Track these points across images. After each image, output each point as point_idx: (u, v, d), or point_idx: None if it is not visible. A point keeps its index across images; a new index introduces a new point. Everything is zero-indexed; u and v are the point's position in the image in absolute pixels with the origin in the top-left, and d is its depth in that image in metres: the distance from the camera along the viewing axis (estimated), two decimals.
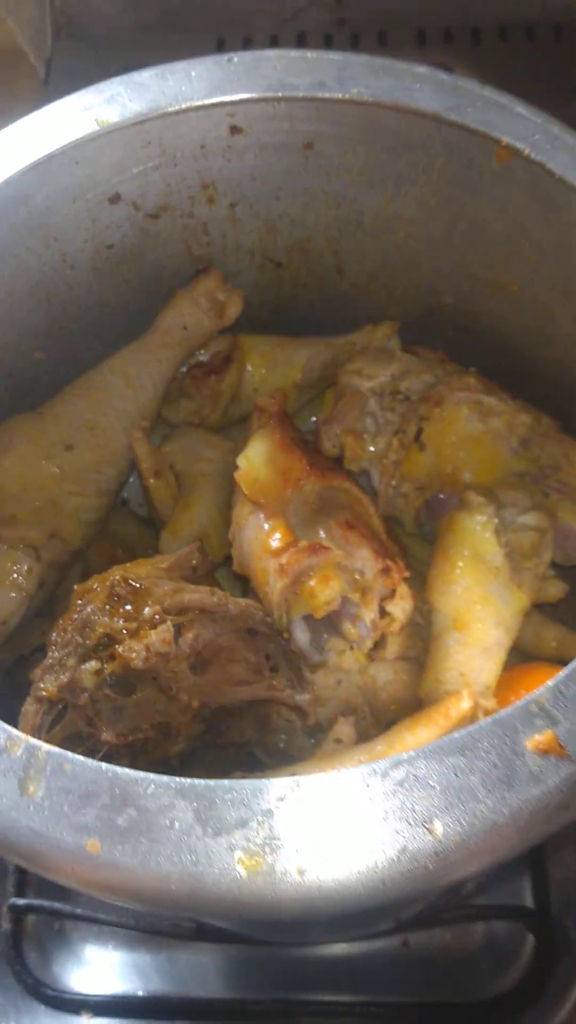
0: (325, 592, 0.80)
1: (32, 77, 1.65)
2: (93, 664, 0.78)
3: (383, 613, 0.86)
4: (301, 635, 0.83)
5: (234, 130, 0.93)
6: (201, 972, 1.08)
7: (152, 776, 0.59)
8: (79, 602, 0.81)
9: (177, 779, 0.59)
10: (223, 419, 1.09)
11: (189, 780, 0.59)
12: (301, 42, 1.59)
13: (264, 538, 0.83)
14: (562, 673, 0.61)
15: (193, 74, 0.89)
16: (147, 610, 0.79)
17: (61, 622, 0.80)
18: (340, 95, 0.87)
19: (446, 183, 0.93)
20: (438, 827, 0.57)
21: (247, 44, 1.59)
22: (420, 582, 0.91)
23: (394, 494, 0.99)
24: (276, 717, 0.88)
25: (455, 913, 1.04)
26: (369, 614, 0.83)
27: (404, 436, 0.97)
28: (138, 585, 0.81)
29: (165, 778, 0.59)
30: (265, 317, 1.14)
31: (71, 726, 0.78)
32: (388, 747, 0.76)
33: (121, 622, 0.78)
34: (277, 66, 0.89)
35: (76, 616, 0.80)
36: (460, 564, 0.88)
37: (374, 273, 1.07)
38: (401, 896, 0.57)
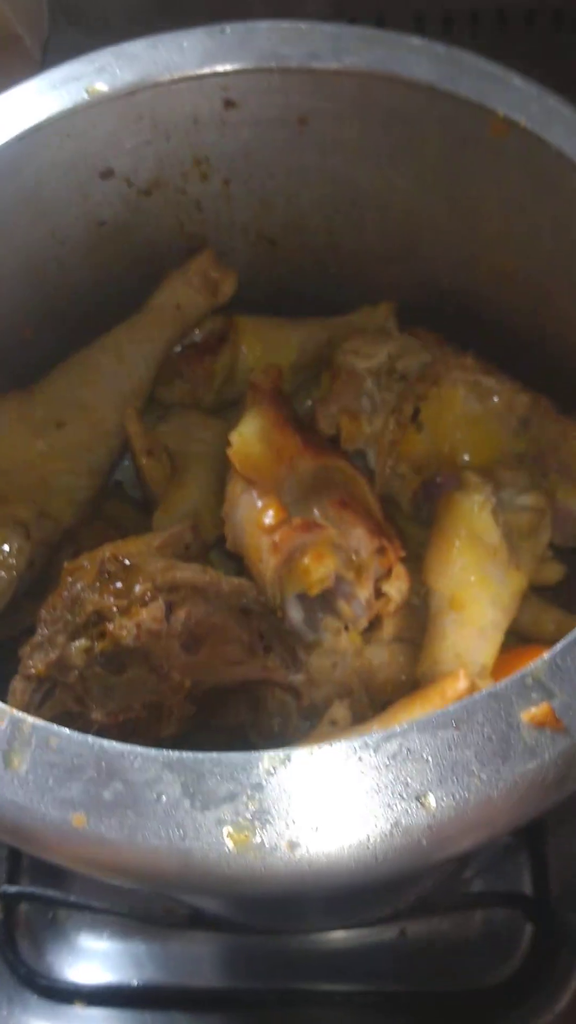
0: (319, 569, 0.79)
1: (28, 61, 1.64)
2: (83, 642, 0.77)
3: (379, 593, 0.85)
4: (295, 613, 0.82)
5: (227, 104, 0.91)
6: (196, 961, 1.07)
7: (139, 749, 0.58)
8: (69, 579, 0.80)
9: (165, 752, 0.57)
10: (217, 400, 1.08)
11: (177, 753, 0.57)
12: None
13: (257, 515, 0.82)
14: (559, 645, 0.60)
15: (185, 44, 0.88)
16: (138, 587, 0.78)
17: (50, 599, 0.79)
18: (334, 65, 0.86)
19: (441, 159, 0.92)
20: (431, 801, 0.55)
21: None
22: (417, 565, 0.90)
23: (391, 475, 0.98)
24: (270, 699, 0.87)
25: (453, 900, 1.03)
26: (364, 592, 0.82)
27: (401, 416, 0.96)
28: (129, 562, 0.80)
29: (152, 751, 0.57)
30: (260, 297, 1.12)
31: (60, 704, 0.77)
32: (383, 728, 0.75)
33: (111, 599, 0.77)
34: (270, 37, 0.88)
35: (66, 593, 0.79)
36: (457, 544, 0.86)
37: (370, 251, 1.06)
38: (394, 872, 0.55)
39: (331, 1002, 1.03)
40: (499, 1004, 1.02)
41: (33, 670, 0.77)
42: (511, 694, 0.58)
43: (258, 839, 0.55)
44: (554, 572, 0.92)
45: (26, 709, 0.76)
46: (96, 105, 0.87)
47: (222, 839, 0.55)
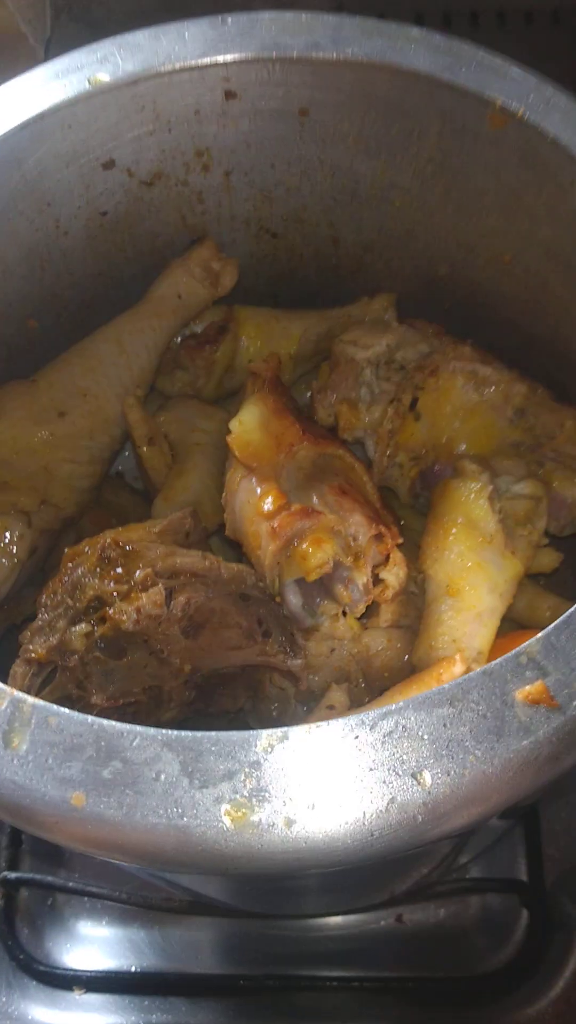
0: (317, 555, 0.79)
1: (31, 58, 1.65)
2: (83, 626, 0.77)
3: (377, 580, 0.85)
4: (293, 599, 0.83)
5: (229, 95, 0.92)
6: (195, 947, 1.07)
7: (138, 728, 0.58)
8: (69, 564, 0.80)
9: (163, 731, 0.58)
10: (217, 391, 1.09)
11: (175, 732, 0.58)
12: None
13: (256, 502, 0.82)
14: (553, 624, 0.60)
15: (187, 34, 0.89)
16: (138, 573, 0.78)
17: (51, 584, 0.80)
18: (334, 55, 0.86)
19: (440, 150, 0.93)
20: (427, 778, 0.56)
21: None
22: (414, 553, 0.91)
23: (389, 464, 0.98)
24: (269, 684, 0.88)
25: (449, 886, 1.03)
26: (362, 578, 0.82)
27: (399, 405, 0.96)
28: (129, 548, 0.80)
29: (151, 730, 0.58)
30: (260, 289, 1.13)
31: (61, 688, 0.78)
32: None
33: (112, 584, 0.78)
34: (271, 27, 0.88)
35: (66, 578, 0.79)
36: (454, 531, 0.87)
37: (370, 244, 1.06)
38: (390, 848, 0.56)
39: (328, 988, 1.04)
40: (495, 990, 1.03)
41: (33, 654, 0.77)
42: (506, 672, 0.59)
43: (256, 817, 0.55)
44: (550, 559, 0.93)
45: (26, 693, 0.76)
46: (98, 95, 0.88)
47: (220, 817, 0.55)
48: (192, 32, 0.89)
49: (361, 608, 0.84)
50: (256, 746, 0.57)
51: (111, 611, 0.76)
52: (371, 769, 0.56)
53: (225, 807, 0.56)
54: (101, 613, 0.77)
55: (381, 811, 0.55)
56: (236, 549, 0.95)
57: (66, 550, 0.82)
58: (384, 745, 0.57)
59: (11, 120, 0.86)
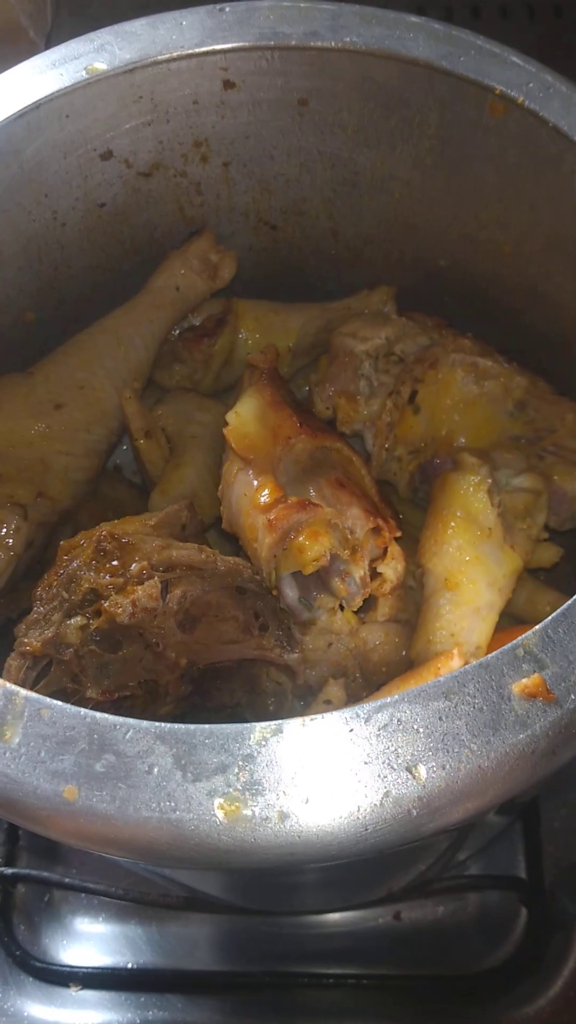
0: (314, 548, 0.78)
1: (32, 52, 1.64)
2: (78, 619, 0.77)
3: (374, 574, 0.85)
4: (290, 592, 0.82)
5: (227, 84, 0.91)
6: (192, 944, 1.07)
7: (131, 721, 0.58)
8: (65, 557, 0.80)
9: (157, 724, 0.57)
10: (215, 384, 1.08)
11: (168, 725, 0.57)
12: None
13: (253, 494, 0.82)
14: (550, 616, 0.60)
15: (184, 23, 0.88)
16: (134, 566, 0.78)
17: (46, 577, 0.79)
18: (333, 44, 0.86)
19: (440, 140, 0.92)
20: (422, 772, 0.55)
21: None
22: (413, 547, 0.90)
23: (388, 457, 0.98)
24: (265, 679, 0.87)
25: (447, 883, 1.03)
26: (359, 571, 0.81)
27: (398, 398, 0.96)
28: (125, 541, 0.80)
29: (144, 723, 0.57)
30: (259, 281, 1.12)
31: (56, 682, 0.77)
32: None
33: (107, 577, 0.77)
34: (270, 16, 0.87)
35: (62, 571, 0.79)
36: (452, 524, 0.86)
37: (369, 236, 1.05)
38: (384, 842, 0.55)
39: (326, 985, 1.03)
40: (493, 988, 1.02)
41: (28, 647, 0.77)
42: (502, 665, 0.58)
43: (249, 810, 0.55)
44: (550, 554, 0.92)
45: (21, 686, 0.76)
46: (95, 84, 0.87)
47: (213, 810, 0.55)
48: (190, 21, 0.89)
49: (358, 602, 0.83)
50: (250, 739, 0.57)
51: (106, 604, 0.76)
52: (366, 762, 0.56)
53: (218, 801, 0.55)
54: (96, 606, 0.77)
55: (376, 805, 0.55)
56: (233, 542, 0.94)
57: (62, 543, 0.81)
58: (379, 738, 0.56)
59: (7, 109, 0.85)
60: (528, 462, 0.90)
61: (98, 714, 0.58)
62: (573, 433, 0.92)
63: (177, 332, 1.08)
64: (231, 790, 0.55)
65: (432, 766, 0.55)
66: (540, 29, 1.67)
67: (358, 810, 0.55)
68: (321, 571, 0.81)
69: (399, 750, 0.56)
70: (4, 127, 0.86)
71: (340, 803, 0.55)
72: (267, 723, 0.57)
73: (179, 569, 0.80)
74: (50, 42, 1.66)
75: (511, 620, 0.93)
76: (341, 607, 0.85)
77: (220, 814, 0.55)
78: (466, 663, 0.77)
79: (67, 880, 1.05)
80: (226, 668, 0.85)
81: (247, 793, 0.55)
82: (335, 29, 0.86)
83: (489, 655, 0.59)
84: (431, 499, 0.91)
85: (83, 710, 0.59)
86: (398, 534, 0.84)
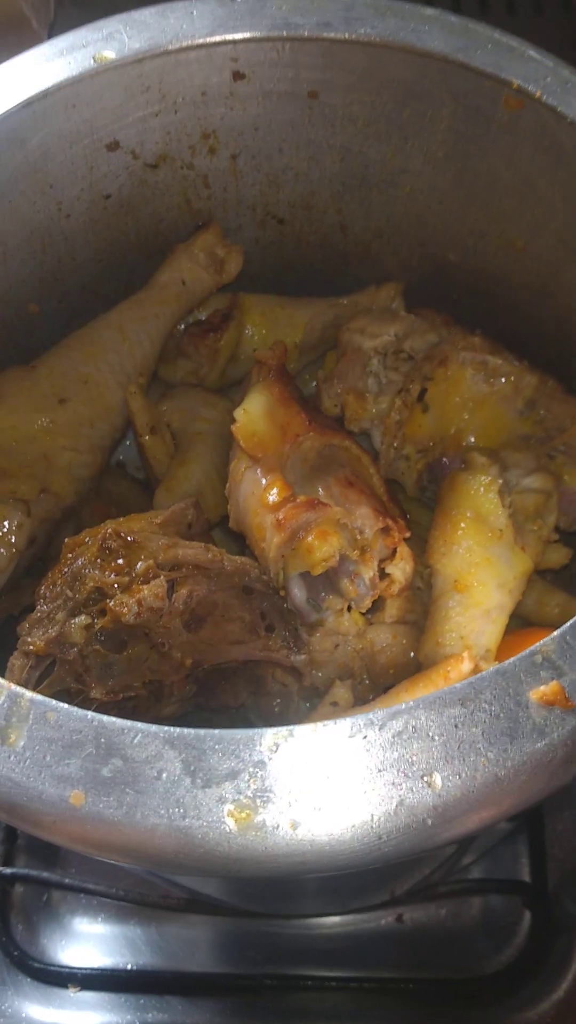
0: (323, 548, 0.77)
1: (35, 43, 1.63)
2: (83, 618, 0.75)
3: (383, 574, 0.83)
4: (298, 592, 0.81)
5: (237, 76, 0.90)
6: (192, 946, 1.06)
7: (139, 725, 0.56)
8: (69, 555, 0.78)
9: (166, 728, 0.56)
10: (221, 380, 1.07)
11: (178, 729, 0.56)
12: None
13: (261, 493, 0.80)
14: (569, 623, 0.58)
15: (195, 12, 0.87)
16: (140, 564, 0.77)
17: (50, 575, 0.78)
18: (346, 35, 0.84)
19: (453, 134, 0.91)
20: (437, 780, 0.54)
21: None
22: (421, 548, 0.89)
23: (396, 456, 0.96)
24: (271, 680, 0.86)
25: (451, 886, 1.02)
26: (368, 572, 0.80)
27: (407, 396, 0.94)
28: (131, 539, 0.78)
29: (153, 727, 0.56)
30: (266, 276, 1.11)
31: (59, 682, 0.76)
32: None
33: (113, 576, 0.76)
34: (282, 6, 0.86)
35: (66, 569, 0.77)
36: (462, 525, 0.85)
37: (378, 231, 1.04)
38: (398, 852, 0.54)
39: (327, 988, 1.02)
40: (496, 992, 1.02)
41: (32, 647, 0.75)
42: (519, 672, 0.57)
43: (260, 818, 0.54)
44: (560, 555, 0.91)
45: (24, 686, 0.75)
46: (103, 73, 0.86)
47: (223, 818, 0.54)
48: (200, 10, 0.87)
49: (367, 603, 0.82)
50: (261, 745, 0.56)
51: (112, 603, 0.75)
52: (380, 770, 0.55)
53: (228, 808, 0.54)
54: (101, 605, 0.75)
55: (390, 814, 0.54)
56: (238, 542, 0.93)
57: (66, 540, 0.80)
58: (393, 746, 0.55)
59: (14, 98, 0.84)
60: (538, 462, 0.89)
61: (105, 717, 0.57)
62: None
63: (182, 327, 1.06)
64: (241, 797, 0.54)
65: (447, 774, 0.54)
66: (548, 24, 1.66)
67: (371, 819, 0.54)
68: (330, 571, 0.80)
69: (414, 758, 0.55)
70: (10, 116, 0.84)
71: (353, 812, 0.54)
72: (278, 728, 0.56)
73: (185, 568, 0.79)
74: (53, 33, 1.65)
75: (519, 622, 0.92)
76: (348, 608, 0.84)
77: (230, 821, 0.54)
78: (476, 666, 0.76)
79: (66, 880, 1.05)
80: (231, 669, 0.84)
81: (258, 800, 0.54)
82: (348, 20, 0.85)
83: (506, 661, 0.57)
84: (439, 499, 0.89)
85: (90, 713, 0.57)
86: (407, 534, 0.83)
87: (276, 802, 0.54)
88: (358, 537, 0.81)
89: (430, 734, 0.55)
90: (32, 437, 0.90)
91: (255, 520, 0.81)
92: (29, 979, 1.04)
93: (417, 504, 1.00)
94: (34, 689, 0.75)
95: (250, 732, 0.56)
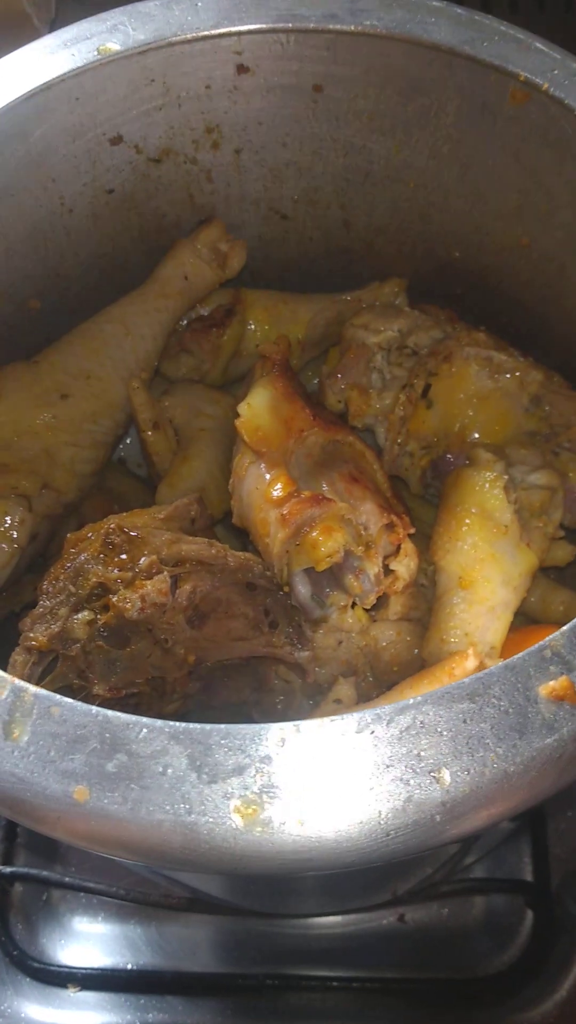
0: (328, 543, 0.77)
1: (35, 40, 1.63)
2: (86, 614, 0.75)
3: (387, 571, 0.83)
4: (302, 588, 0.80)
5: (241, 69, 0.89)
6: (192, 946, 1.05)
7: (144, 720, 0.56)
8: (72, 550, 0.78)
9: (171, 723, 0.56)
10: (223, 376, 1.06)
11: (183, 724, 0.55)
12: None
13: (265, 488, 0.80)
14: None
15: (199, 4, 0.86)
16: (143, 560, 0.76)
17: (53, 570, 0.77)
18: (352, 27, 0.84)
19: (458, 129, 0.90)
20: (446, 776, 0.54)
21: None
22: (424, 545, 0.88)
23: (400, 452, 0.96)
24: (274, 677, 0.85)
25: (453, 886, 1.01)
26: (373, 568, 0.80)
27: (411, 391, 0.94)
28: (134, 534, 0.78)
29: (159, 722, 0.56)
30: (269, 272, 1.11)
31: (62, 678, 0.75)
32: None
33: (116, 571, 0.75)
34: None
35: (69, 564, 0.77)
36: (467, 521, 0.85)
37: (382, 227, 1.04)
38: (406, 849, 0.54)
39: (328, 988, 1.02)
40: (498, 992, 1.01)
41: (34, 642, 0.75)
42: (529, 667, 0.56)
43: (266, 814, 0.53)
44: (565, 553, 0.91)
45: (26, 682, 0.74)
46: (107, 65, 0.85)
47: (229, 814, 0.53)
48: (205, 2, 0.86)
49: (372, 599, 0.81)
50: (267, 740, 0.55)
51: (115, 599, 0.74)
52: (387, 766, 0.54)
53: (235, 803, 0.53)
54: (104, 601, 0.75)
55: (398, 810, 0.53)
56: (241, 539, 0.92)
57: (69, 535, 0.79)
58: (401, 741, 0.55)
59: (16, 90, 0.83)
60: (544, 458, 0.89)
61: (110, 712, 0.57)
62: None
63: (185, 322, 1.06)
64: (248, 793, 0.54)
65: (456, 770, 0.54)
66: (550, 22, 1.66)
67: (379, 815, 0.53)
68: (334, 568, 0.80)
69: (422, 753, 0.54)
70: (12, 108, 0.83)
71: (361, 808, 0.53)
72: (285, 724, 0.55)
73: (189, 564, 0.78)
74: (54, 30, 1.64)
75: (521, 618, 0.92)
76: (353, 605, 0.83)
77: (236, 817, 0.53)
78: (481, 663, 0.76)
79: (66, 879, 1.04)
80: (234, 665, 0.83)
81: (264, 796, 0.53)
82: (354, 12, 0.84)
83: (515, 656, 0.57)
84: (444, 495, 0.89)
85: (94, 708, 0.57)
86: (412, 530, 0.82)
87: (283, 798, 0.53)
88: (362, 533, 0.80)
89: (438, 729, 0.55)
90: (34, 432, 0.90)
91: (259, 515, 0.80)
92: (28, 979, 1.04)
93: (420, 501, 1.00)
94: (36, 685, 0.75)
95: (256, 727, 0.55)
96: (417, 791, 0.53)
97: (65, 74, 0.84)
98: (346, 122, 0.94)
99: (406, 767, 0.54)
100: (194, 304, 1.05)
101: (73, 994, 1.03)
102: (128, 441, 1.09)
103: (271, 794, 0.53)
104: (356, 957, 1.04)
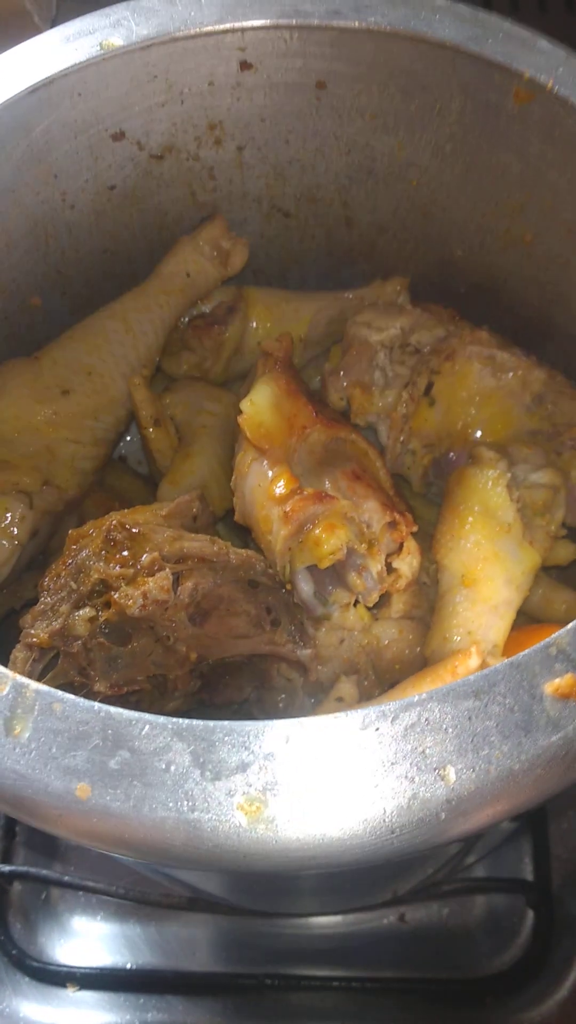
0: (331, 541, 0.76)
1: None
2: (87, 611, 0.74)
3: (389, 569, 0.83)
4: (304, 586, 0.80)
5: (244, 66, 0.89)
6: (192, 945, 1.05)
7: (148, 716, 0.55)
8: (74, 547, 0.77)
9: (174, 720, 0.55)
10: (225, 373, 1.06)
11: (187, 721, 0.55)
12: None
13: (268, 485, 0.79)
14: None
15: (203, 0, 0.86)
16: (145, 556, 0.76)
17: (54, 567, 0.77)
18: (356, 23, 0.83)
19: (461, 127, 0.90)
20: (451, 774, 0.53)
21: None
22: (425, 544, 0.88)
23: (402, 451, 0.96)
24: (276, 675, 0.85)
25: (454, 885, 1.01)
26: (376, 565, 0.79)
27: (414, 389, 0.94)
28: (136, 531, 0.77)
29: (161, 719, 0.55)
30: (271, 270, 1.10)
31: (62, 675, 0.75)
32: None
33: (117, 568, 0.75)
34: None
35: (70, 561, 0.76)
36: (470, 520, 0.84)
37: (384, 225, 1.03)
38: (411, 847, 0.53)
39: (328, 987, 1.02)
40: (499, 992, 1.01)
41: (35, 639, 0.74)
42: (534, 664, 0.56)
43: (270, 811, 0.53)
44: (567, 551, 0.90)
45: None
46: (110, 60, 0.85)
47: (233, 811, 0.53)
48: None
49: (375, 597, 0.81)
50: (271, 737, 0.55)
51: (116, 595, 0.74)
52: (392, 763, 0.54)
53: (238, 801, 0.53)
54: (106, 597, 0.75)
55: (402, 808, 0.53)
56: (242, 537, 0.92)
57: (70, 532, 0.79)
58: (406, 738, 0.54)
59: (18, 85, 0.83)
60: (547, 457, 0.88)
61: (113, 708, 0.56)
62: None
63: (186, 320, 1.06)
64: (252, 790, 0.53)
65: (461, 768, 0.53)
66: (552, 22, 1.66)
67: (384, 813, 0.53)
68: (337, 565, 0.79)
69: (427, 751, 0.54)
70: (14, 103, 0.83)
71: (366, 805, 0.53)
72: (289, 720, 0.55)
73: (191, 561, 0.78)
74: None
75: (524, 619, 0.91)
76: (355, 602, 0.83)
77: (240, 815, 0.53)
78: (484, 662, 0.76)
79: (65, 878, 1.04)
80: (236, 663, 0.83)
81: (268, 793, 0.53)
82: (358, 8, 0.84)
83: (520, 654, 0.57)
84: (447, 494, 0.89)
85: (97, 704, 0.57)
86: (415, 528, 0.82)
87: (287, 795, 0.53)
88: (365, 531, 0.80)
89: (444, 727, 0.54)
90: (35, 429, 0.90)
91: (261, 512, 0.80)
92: (27, 978, 1.03)
93: (422, 500, 1.00)
94: (37, 682, 0.74)
95: (260, 724, 0.55)
96: (422, 789, 0.53)
97: (67, 69, 0.84)
98: (349, 119, 0.94)
99: (411, 764, 0.53)
100: (196, 301, 1.05)
101: (72, 993, 1.02)
102: (129, 439, 1.08)
103: (275, 791, 0.53)
104: (357, 957, 1.04)
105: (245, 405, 0.83)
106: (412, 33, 0.83)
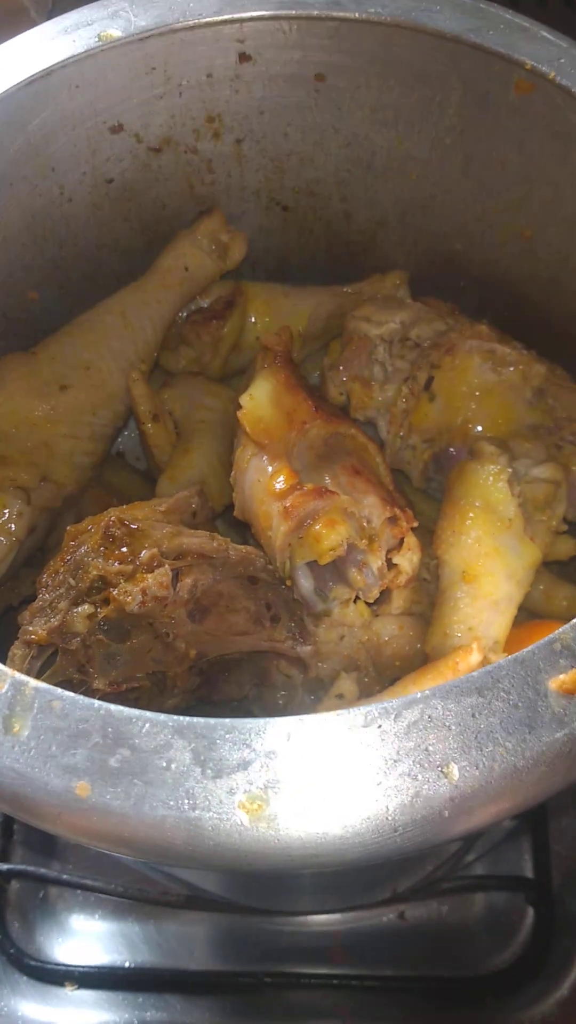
0: (331, 537, 0.76)
1: None
2: (86, 608, 0.74)
3: (389, 565, 0.82)
4: (304, 582, 0.79)
5: (243, 57, 0.89)
6: (190, 943, 1.05)
7: (148, 714, 0.55)
8: (72, 543, 0.77)
9: (175, 717, 0.55)
10: (223, 369, 1.05)
11: (187, 718, 0.54)
12: None
13: (267, 481, 0.79)
14: None
15: None
16: (144, 553, 0.75)
17: (52, 563, 0.76)
18: (356, 14, 0.83)
19: (461, 119, 0.90)
20: (454, 771, 0.53)
21: None
22: (426, 539, 0.88)
23: (402, 446, 0.95)
24: (275, 672, 0.84)
25: (453, 883, 1.01)
26: (376, 561, 0.79)
27: (414, 384, 0.93)
28: (135, 527, 0.77)
29: (162, 716, 0.55)
30: (269, 264, 1.10)
31: (61, 672, 0.74)
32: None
33: (116, 564, 0.74)
34: None
35: (69, 557, 0.76)
36: (471, 515, 0.84)
37: (383, 219, 1.03)
38: (414, 844, 0.53)
39: (328, 986, 1.01)
40: (499, 990, 1.00)
41: (33, 636, 0.74)
42: (538, 660, 0.56)
43: (271, 809, 0.52)
44: (568, 547, 0.90)
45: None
46: (108, 52, 0.84)
47: (234, 809, 0.52)
48: None
49: (375, 593, 0.81)
50: (273, 734, 0.54)
51: (115, 592, 0.73)
52: (395, 761, 0.53)
53: (239, 799, 0.52)
54: (105, 594, 0.74)
55: (405, 805, 0.52)
56: (241, 533, 0.91)
57: (68, 528, 0.78)
58: (409, 735, 0.54)
59: (15, 76, 0.82)
60: (547, 452, 0.88)
61: (112, 706, 0.56)
62: None
63: (185, 314, 1.05)
64: (253, 788, 0.53)
65: (465, 765, 0.53)
66: (551, 18, 1.65)
67: (387, 811, 0.52)
68: (337, 561, 0.79)
69: (430, 748, 0.53)
70: (11, 95, 0.83)
71: (368, 803, 0.52)
72: (290, 718, 0.54)
73: (190, 557, 0.77)
74: None
75: (525, 615, 0.91)
76: (356, 599, 0.82)
77: (241, 813, 0.52)
78: (485, 658, 0.75)
79: (63, 877, 1.03)
80: (235, 660, 0.82)
81: (270, 791, 0.53)
82: None
83: (524, 650, 0.56)
84: (447, 489, 0.88)
85: (96, 702, 0.56)
86: (415, 524, 0.81)
87: (288, 793, 0.52)
88: (365, 526, 0.79)
89: (447, 724, 0.54)
90: (33, 424, 0.89)
91: (261, 508, 0.79)
92: (25, 977, 1.03)
93: (422, 496, 0.99)
94: (35, 679, 0.74)
95: (262, 721, 0.54)
96: (425, 786, 0.52)
97: (65, 60, 0.83)
98: (348, 112, 0.94)
99: (414, 762, 0.53)
100: (194, 296, 1.04)
101: (70, 992, 1.02)
102: (127, 434, 1.08)
103: (276, 789, 0.53)
104: (356, 955, 1.03)
105: (244, 400, 0.82)
106: (412, 24, 0.82)
